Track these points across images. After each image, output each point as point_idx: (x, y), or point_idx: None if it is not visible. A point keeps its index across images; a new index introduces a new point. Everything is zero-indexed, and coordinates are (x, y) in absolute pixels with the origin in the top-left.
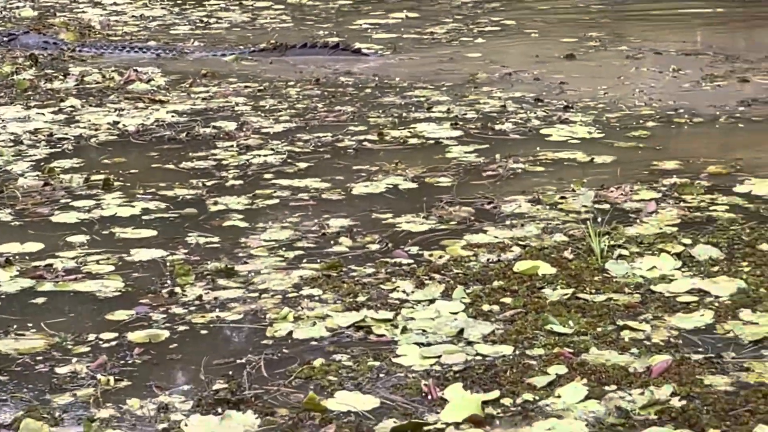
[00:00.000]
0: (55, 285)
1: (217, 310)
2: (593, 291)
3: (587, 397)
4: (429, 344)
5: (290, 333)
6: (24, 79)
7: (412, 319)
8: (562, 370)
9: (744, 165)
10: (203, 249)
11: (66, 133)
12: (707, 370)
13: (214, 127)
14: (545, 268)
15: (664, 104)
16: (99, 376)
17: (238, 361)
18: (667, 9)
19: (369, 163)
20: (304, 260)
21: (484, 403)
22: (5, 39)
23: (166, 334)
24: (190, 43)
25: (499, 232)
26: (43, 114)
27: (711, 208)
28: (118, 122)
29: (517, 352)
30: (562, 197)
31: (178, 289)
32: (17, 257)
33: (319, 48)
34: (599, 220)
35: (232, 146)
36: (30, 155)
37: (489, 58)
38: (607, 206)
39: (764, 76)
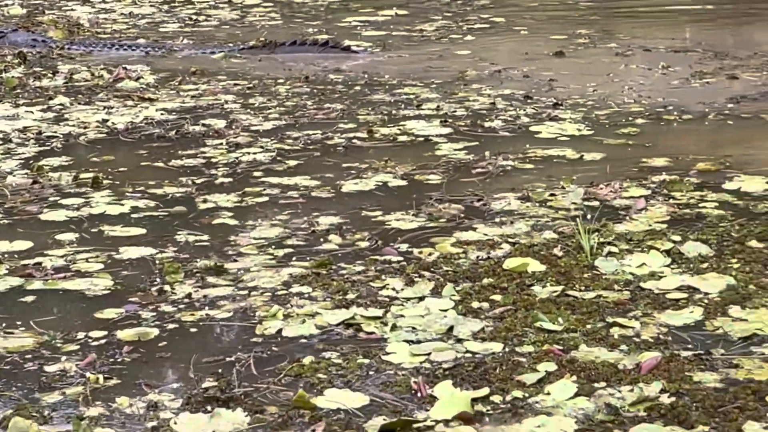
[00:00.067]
0: (44, 283)
1: (207, 308)
2: (583, 288)
3: (577, 394)
4: (418, 342)
5: (280, 331)
6: (12, 77)
7: (402, 316)
8: (552, 367)
9: (733, 162)
10: (192, 247)
11: (55, 131)
12: (696, 367)
13: (203, 124)
14: (535, 266)
15: (653, 101)
16: (88, 374)
17: (228, 359)
18: (655, 6)
19: (358, 160)
20: (294, 258)
21: (474, 400)
22: None
23: (155, 332)
24: (179, 40)
25: (488, 230)
26: (32, 112)
27: (700, 205)
28: (107, 120)
29: (507, 350)
30: (552, 194)
31: (167, 287)
32: (6, 255)
33: (309, 45)
34: (589, 217)
35: (221, 144)
36: (19, 153)
37: (478, 55)
38: (596, 203)
39: (753, 72)
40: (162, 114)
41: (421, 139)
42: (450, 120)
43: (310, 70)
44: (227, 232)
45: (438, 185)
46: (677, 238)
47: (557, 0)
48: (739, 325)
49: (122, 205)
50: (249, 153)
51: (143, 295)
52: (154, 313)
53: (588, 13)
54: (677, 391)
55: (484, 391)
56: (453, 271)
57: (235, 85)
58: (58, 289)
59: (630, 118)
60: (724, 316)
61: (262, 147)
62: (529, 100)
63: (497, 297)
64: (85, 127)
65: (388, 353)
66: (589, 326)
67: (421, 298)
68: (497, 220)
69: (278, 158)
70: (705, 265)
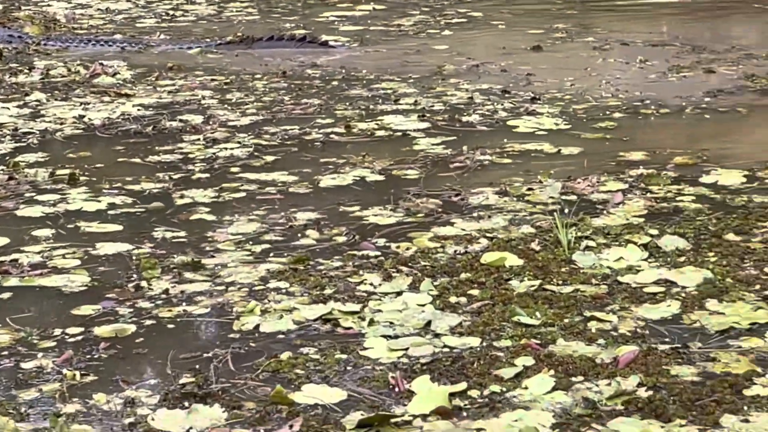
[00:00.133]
0: (20, 280)
1: (184, 303)
2: (560, 282)
3: (554, 389)
4: (396, 336)
5: (257, 326)
6: None
7: (380, 311)
8: (530, 361)
9: (710, 155)
10: (169, 243)
11: (31, 128)
12: (674, 361)
13: (180, 120)
14: (512, 260)
15: (630, 95)
16: (65, 371)
17: (205, 354)
18: (633, 0)
19: (336, 155)
20: (271, 254)
21: (452, 395)
22: None
23: (132, 328)
24: (156, 36)
25: (466, 224)
26: (8, 108)
27: (677, 199)
28: (84, 116)
29: (485, 344)
30: (530, 189)
31: (144, 283)
32: None
33: (286, 41)
34: (566, 211)
35: (198, 140)
36: None
37: (456, 50)
38: (574, 197)
39: (730, 66)
40: (139, 110)
41: (399, 133)
42: (428, 115)
43: (287, 66)
44: (204, 228)
45: (416, 180)
46: (654, 231)
47: None
48: (717, 319)
49: (99, 201)
50: (226, 148)
51: (120, 292)
52: (131, 310)
53: (565, 7)
54: (654, 384)
55: (462, 385)
56: (431, 265)
57: (213, 80)
58: (34, 285)
59: (607, 112)
60: (701, 309)
61: (239, 142)
62: (506, 95)
63: (475, 291)
64: (61, 123)
65: (365, 348)
66: (566, 320)
67: (399, 293)
68: (475, 214)
69: (255, 154)
70: (682, 259)
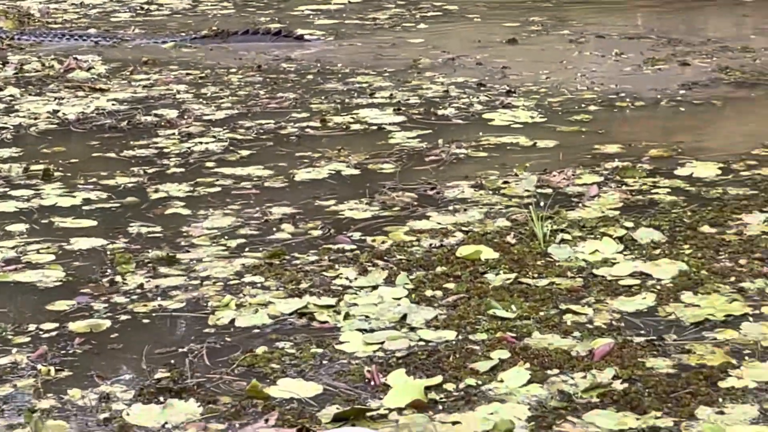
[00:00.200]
0: None
1: (159, 298)
2: (536, 275)
3: (530, 381)
4: (372, 330)
5: (232, 321)
6: None
7: (355, 305)
8: (505, 354)
9: (685, 148)
10: (144, 238)
11: (5, 123)
12: (649, 353)
13: (155, 114)
14: (488, 253)
15: (606, 88)
16: (39, 366)
17: (180, 349)
18: None
19: (311, 149)
20: (247, 248)
21: (427, 388)
22: None
23: (107, 323)
24: (130, 30)
25: (442, 218)
26: None
27: (653, 192)
28: (58, 111)
29: (460, 337)
30: (505, 182)
31: (118, 278)
32: None
33: (261, 35)
34: (542, 204)
35: (173, 134)
36: None
37: (431, 43)
38: (549, 190)
39: (704, 59)
40: (113, 104)
41: (375, 127)
42: (403, 108)
43: (262, 59)
44: (180, 223)
45: (391, 174)
46: (630, 224)
47: None
48: (692, 311)
49: (74, 197)
50: (201, 143)
51: (95, 287)
52: (106, 305)
53: (541, 0)
54: (630, 377)
55: (438, 379)
56: (406, 259)
57: (187, 74)
58: (8, 281)
59: (583, 105)
60: (676, 301)
61: (214, 137)
62: (482, 88)
63: (450, 285)
64: (35, 118)
65: (341, 342)
66: (542, 313)
67: (375, 287)
68: (450, 208)
69: (231, 148)
70: (657, 251)
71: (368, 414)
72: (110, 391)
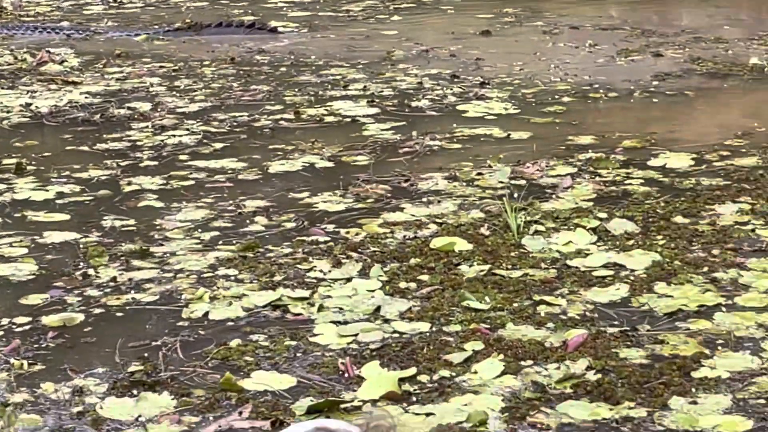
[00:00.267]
0: None
1: (132, 291)
2: (510, 267)
3: (503, 373)
4: (346, 322)
5: (206, 314)
6: None
7: (329, 297)
8: (479, 346)
9: (658, 139)
10: (118, 231)
11: None
12: (622, 344)
13: (128, 107)
14: (462, 245)
15: (579, 79)
16: (12, 360)
17: (154, 343)
18: None
19: (285, 142)
20: (220, 241)
21: (401, 380)
22: None
23: (81, 317)
24: (103, 23)
25: (415, 210)
26: None
27: (626, 182)
28: (31, 104)
29: (434, 329)
30: (479, 173)
31: (92, 271)
32: None
33: (235, 27)
34: (515, 195)
35: (146, 127)
36: None
37: (405, 35)
38: (523, 182)
39: (677, 50)
40: (86, 97)
41: (348, 119)
42: (377, 100)
43: (235, 52)
44: (153, 216)
45: (365, 166)
46: (603, 215)
47: None
48: (665, 301)
49: (47, 190)
50: (175, 136)
51: (68, 280)
52: (80, 298)
53: None
54: (603, 367)
55: (412, 370)
56: (380, 251)
57: (161, 67)
58: None
59: (556, 97)
60: (649, 292)
61: (188, 129)
62: (455, 80)
63: (424, 277)
64: (8, 112)
65: (315, 334)
66: (515, 305)
67: (349, 279)
68: (424, 199)
69: (204, 141)
70: (631, 242)
71: (342, 406)
72: (83, 384)
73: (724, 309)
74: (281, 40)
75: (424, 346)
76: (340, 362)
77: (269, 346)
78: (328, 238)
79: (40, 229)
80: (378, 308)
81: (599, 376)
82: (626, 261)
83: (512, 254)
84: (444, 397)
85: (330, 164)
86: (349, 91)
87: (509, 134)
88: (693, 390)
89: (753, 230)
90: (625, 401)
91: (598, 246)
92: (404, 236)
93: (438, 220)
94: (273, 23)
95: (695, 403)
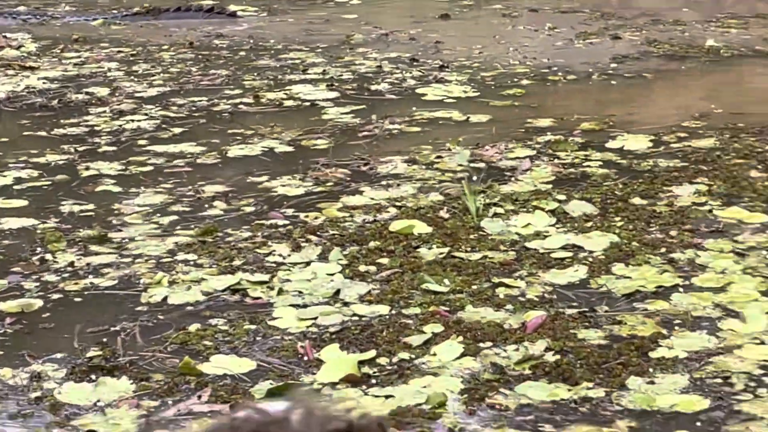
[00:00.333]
0: None
1: (91, 276)
2: (469, 249)
3: (463, 355)
4: (305, 306)
5: (165, 298)
6: None
7: (289, 281)
8: (438, 328)
9: (617, 121)
10: (76, 216)
11: None
12: (581, 325)
13: (86, 93)
14: (421, 228)
15: (538, 62)
16: None
17: (113, 328)
18: None
19: (244, 126)
20: (179, 226)
21: (361, 362)
22: None
23: (39, 303)
24: (60, 7)
25: (375, 193)
26: None
27: (584, 165)
28: None
29: (394, 312)
30: (438, 157)
31: (49, 256)
32: None
33: (193, 11)
34: (475, 178)
35: (105, 112)
36: None
37: (364, 19)
38: (482, 165)
39: (634, 32)
40: (44, 83)
41: (308, 103)
42: (336, 84)
43: (194, 36)
44: (111, 201)
45: (325, 150)
46: (562, 197)
47: None
48: (623, 283)
49: (5, 176)
50: (133, 120)
51: (25, 265)
52: (38, 284)
53: None
54: (562, 348)
55: (371, 353)
56: (339, 234)
57: (119, 52)
58: None
59: (516, 80)
60: (608, 273)
61: (146, 114)
62: (415, 63)
63: (384, 260)
64: None
65: (274, 318)
66: (475, 287)
67: (308, 263)
68: (384, 183)
69: (163, 125)
70: (589, 224)
71: (302, 389)
72: (42, 370)
73: (681, 289)
74: (240, 24)
75: (383, 328)
76: (299, 345)
77: (228, 330)
78: (287, 222)
79: None
80: (337, 291)
81: (558, 357)
82: (585, 242)
83: (471, 237)
84: (403, 380)
85: (289, 148)
86: (308, 75)
87: (468, 117)
88: (651, 370)
89: (710, 211)
90: (583, 382)
91: (557, 228)
92: (364, 219)
93: (397, 204)
94: (232, 7)
95: (653, 383)
